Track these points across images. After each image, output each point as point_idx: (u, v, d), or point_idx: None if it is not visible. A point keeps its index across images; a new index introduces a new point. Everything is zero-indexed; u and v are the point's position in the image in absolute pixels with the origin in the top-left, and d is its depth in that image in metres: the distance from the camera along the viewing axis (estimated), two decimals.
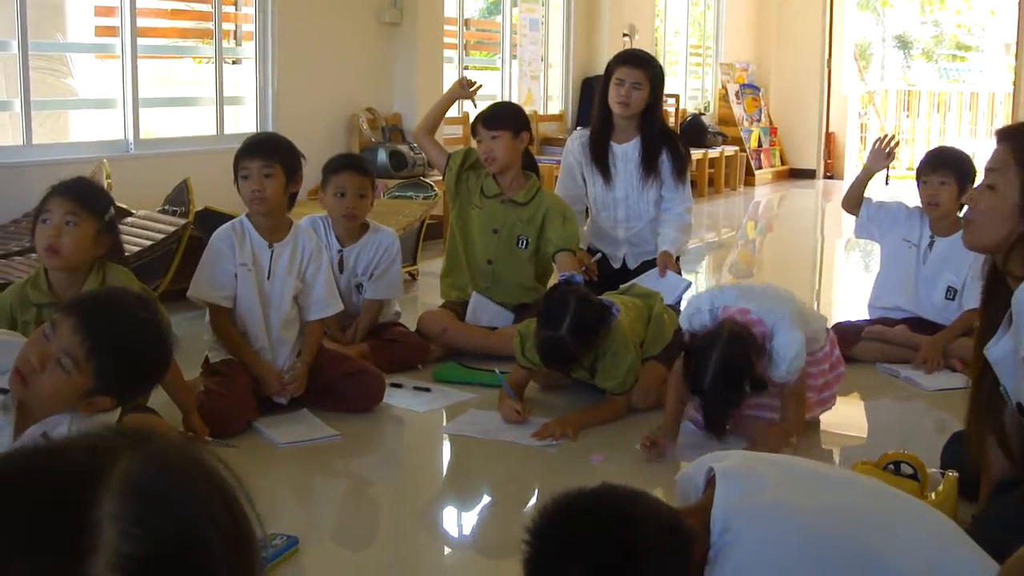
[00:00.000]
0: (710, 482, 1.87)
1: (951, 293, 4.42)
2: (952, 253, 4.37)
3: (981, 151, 15.16)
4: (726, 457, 1.92)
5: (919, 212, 4.53)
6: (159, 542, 0.73)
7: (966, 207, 2.48)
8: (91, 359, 2.22)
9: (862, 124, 15.43)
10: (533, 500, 3.10)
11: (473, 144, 4.59)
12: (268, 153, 3.55)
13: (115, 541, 0.71)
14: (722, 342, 3.09)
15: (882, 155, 4.55)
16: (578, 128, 5.25)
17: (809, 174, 13.21)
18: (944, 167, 4.37)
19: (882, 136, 4.70)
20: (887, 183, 4.70)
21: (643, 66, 4.81)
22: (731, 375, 3.08)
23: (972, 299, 4.30)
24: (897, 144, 4.48)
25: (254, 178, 3.53)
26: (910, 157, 16.05)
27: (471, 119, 5.15)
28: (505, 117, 4.45)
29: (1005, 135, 2.47)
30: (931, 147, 15.93)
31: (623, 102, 4.78)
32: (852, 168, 13.90)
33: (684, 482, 2.00)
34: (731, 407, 3.17)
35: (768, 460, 1.97)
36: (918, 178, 4.45)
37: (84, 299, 2.53)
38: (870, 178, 4.60)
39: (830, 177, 13.39)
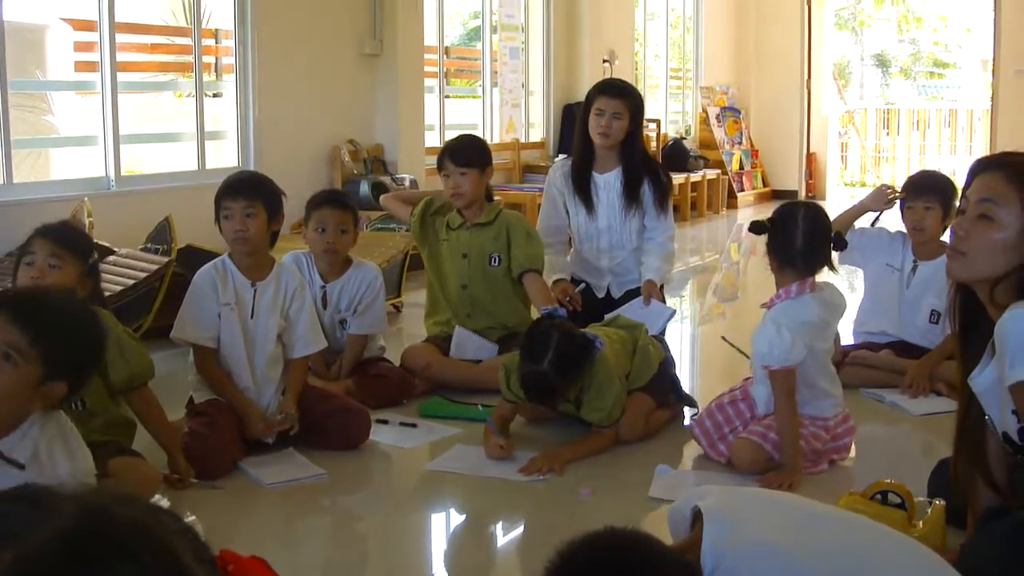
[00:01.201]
0: (696, 518, 1.88)
1: (935, 316, 4.43)
2: (935, 277, 4.38)
3: (961, 168, 15.31)
4: (709, 493, 1.93)
5: (901, 236, 4.55)
6: None
7: (952, 237, 2.38)
8: (35, 345, 2.24)
9: (842, 144, 15.53)
10: (520, 533, 3.10)
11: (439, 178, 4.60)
12: (250, 192, 3.55)
13: None
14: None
15: (882, 199, 4.55)
16: (560, 158, 5.26)
17: (791, 195, 13.24)
18: (928, 192, 4.39)
19: (888, 184, 4.73)
20: (874, 224, 4.73)
21: (622, 96, 4.82)
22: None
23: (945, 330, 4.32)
24: (897, 197, 4.51)
25: (236, 218, 3.53)
26: (891, 175, 16.19)
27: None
28: (473, 154, 4.48)
29: (1001, 163, 2.34)
30: (911, 164, 16.09)
31: (603, 132, 4.79)
32: (833, 188, 13.98)
33: (674, 515, 2.02)
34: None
35: (750, 496, 1.97)
36: (902, 203, 4.47)
37: (5, 296, 2.55)
38: (862, 215, 4.61)
39: (812, 198, 13.43)
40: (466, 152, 4.46)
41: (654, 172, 4.96)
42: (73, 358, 2.34)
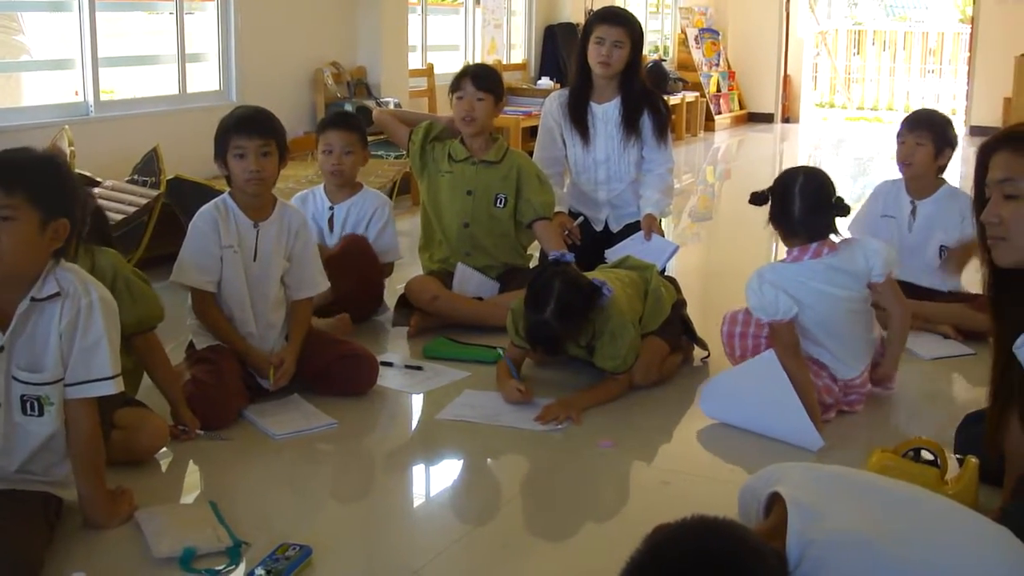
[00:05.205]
0: (774, 501, 1.82)
1: (944, 251, 4.38)
2: (938, 213, 4.38)
3: (931, 91, 15.28)
4: (787, 475, 1.85)
5: (889, 185, 4.53)
6: None
7: (988, 228, 2.34)
8: (15, 192, 2.31)
9: (814, 64, 15.38)
10: (540, 485, 3.01)
11: (441, 99, 4.48)
12: (265, 131, 3.38)
13: None
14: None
15: None
16: (557, 88, 5.12)
17: (767, 118, 13.16)
18: (921, 127, 4.34)
19: None
20: None
21: (623, 24, 4.69)
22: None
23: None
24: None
25: (251, 157, 3.36)
26: (860, 96, 16.09)
27: (435, 71, 5.01)
28: (493, 81, 4.37)
29: (1009, 139, 2.34)
30: (880, 86, 15.90)
31: (604, 62, 4.66)
32: (808, 111, 13.86)
33: (745, 496, 1.96)
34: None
35: (827, 477, 1.90)
36: (898, 138, 4.42)
37: None
38: None
39: (787, 120, 13.35)
40: (487, 77, 4.35)
41: (653, 102, 4.85)
42: (57, 190, 2.41)
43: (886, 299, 3.51)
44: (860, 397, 3.50)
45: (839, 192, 3.43)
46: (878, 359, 3.57)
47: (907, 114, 4.55)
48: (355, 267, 4.20)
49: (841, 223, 3.47)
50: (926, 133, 4.31)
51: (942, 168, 4.39)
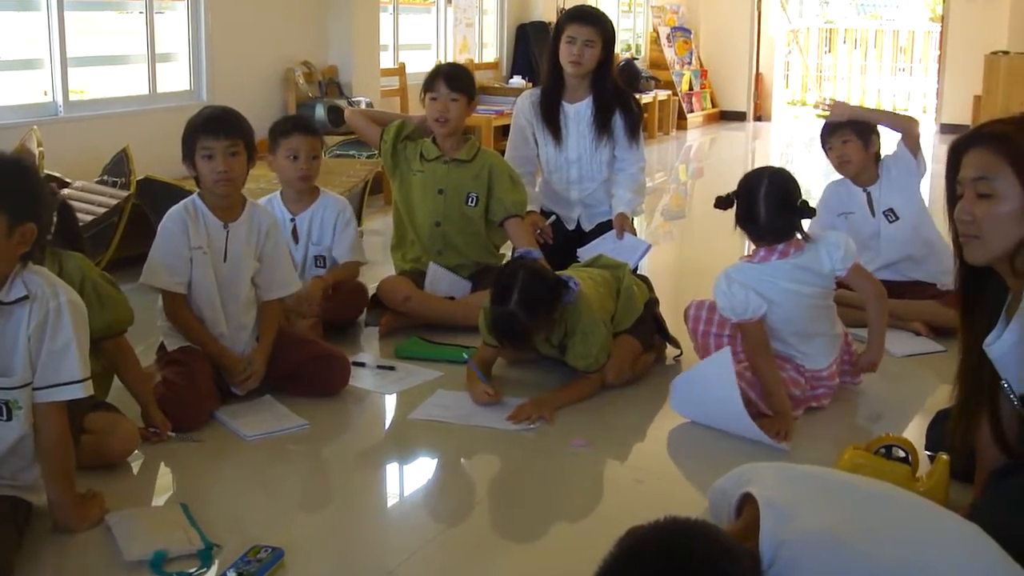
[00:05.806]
0: (745, 501, 1.82)
1: (892, 216, 4.42)
2: (888, 189, 4.42)
3: (902, 88, 15.37)
4: (759, 475, 1.85)
5: (835, 185, 4.57)
6: None
7: (959, 225, 2.33)
8: None
9: (786, 63, 15.45)
10: (513, 484, 3.01)
11: (412, 98, 4.47)
12: (233, 131, 3.35)
13: None
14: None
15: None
16: (529, 88, 5.11)
17: (739, 116, 13.21)
18: (840, 129, 4.39)
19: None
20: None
21: (595, 23, 4.69)
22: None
23: (914, 220, 4.39)
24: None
25: (219, 158, 3.33)
26: (832, 94, 16.17)
27: (407, 67, 4.99)
28: (466, 81, 4.36)
29: (982, 138, 2.32)
30: (851, 84, 16.04)
31: (575, 61, 4.66)
32: (780, 109, 13.91)
33: (716, 497, 1.95)
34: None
35: (799, 476, 1.90)
36: (824, 148, 4.46)
37: None
38: None
39: (759, 119, 13.40)
40: (461, 78, 4.33)
41: (625, 101, 4.86)
42: (25, 195, 2.37)
43: (858, 287, 3.53)
44: (828, 391, 3.50)
45: (809, 189, 3.44)
46: (845, 356, 3.59)
47: (822, 128, 4.57)
48: (353, 308, 4.31)
49: (807, 225, 3.48)
50: (847, 131, 4.37)
51: (877, 155, 4.44)
